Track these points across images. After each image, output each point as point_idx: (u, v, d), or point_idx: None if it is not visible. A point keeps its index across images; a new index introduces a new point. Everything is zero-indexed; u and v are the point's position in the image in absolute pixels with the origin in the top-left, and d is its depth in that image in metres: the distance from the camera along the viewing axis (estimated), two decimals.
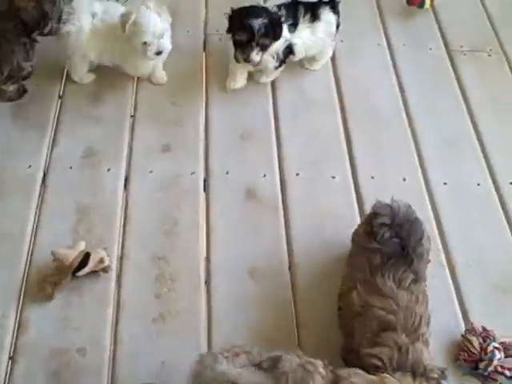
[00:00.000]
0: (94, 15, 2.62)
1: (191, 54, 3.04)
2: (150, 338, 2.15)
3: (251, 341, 2.10)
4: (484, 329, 2.21)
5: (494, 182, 2.70)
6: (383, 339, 1.83)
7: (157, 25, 2.53)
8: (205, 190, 2.57)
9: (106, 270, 2.26)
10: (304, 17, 2.74)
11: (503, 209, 2.62)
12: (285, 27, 2.68)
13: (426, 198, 2.61)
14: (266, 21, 2.55)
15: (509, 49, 3.21)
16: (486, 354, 2.14)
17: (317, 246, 2.44)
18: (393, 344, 1.81)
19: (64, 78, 2.87)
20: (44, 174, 2.54)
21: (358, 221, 2.49)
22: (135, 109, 2.79)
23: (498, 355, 2.13)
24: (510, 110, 2.97)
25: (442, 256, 2.44)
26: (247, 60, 2.63)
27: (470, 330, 2.22)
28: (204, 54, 3.05)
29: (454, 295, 2.35)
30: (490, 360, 2.13)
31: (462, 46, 3.21)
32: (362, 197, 2.59)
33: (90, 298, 2.22)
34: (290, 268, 2.37)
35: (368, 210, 2.46)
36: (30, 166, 2.55)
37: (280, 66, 2.82)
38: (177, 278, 2.29)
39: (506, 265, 2.45)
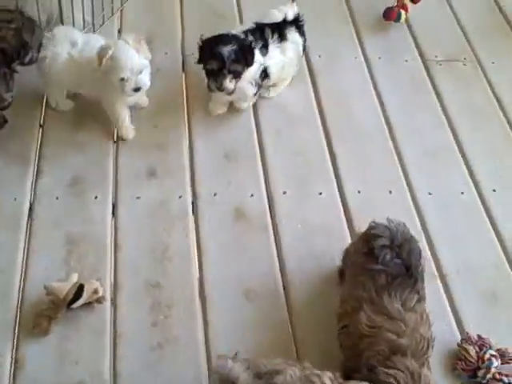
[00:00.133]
0: (73, 44, 2.60)
1: (171, 75, 3.04)
2: (149, 367, 2.14)
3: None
4: (479, 337, 2.24)
5: (478, 189, 2.74)
6: (394, 363, 1.84)
7: (135, 60, 2.45)
8: (193, 213, 2.56)
9: (100, 300, 2.24)
10: (272, 37, 2.74)
11: (488, 215, 2.66)
12: (257, 52, 2.66)
13: (413, 209, 2.64)
14: (235, 47, 2.53)
15: (483, 57, 3.27)
16: (483, 362, 2.17)
17: (309, 262, 2.45)
18: (404, 369, 1.82)
19: (44, 106, 2.85)
20: (30, 206, 2.51)
21: (348, 235, 2.53)
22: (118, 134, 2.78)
23: (496, 363, 2.17)
24: (488, 118, 3.02)
25: (433, 266, 2.47)
26: (220, 89, 2.60)
27: (466, 339, 2.25)
28: (183, 75, 3.05)
29: (447, 304, 2.38)
30: (488, 368, 2.16)
31: (436, 56, 3.26)
32: (350, 211, 2.61)
33: (87, 330, 2.20)
34: (284, 288, 2.38)
35: (356, 224, 2.53)
36: (15, 199, 2.52)
37: (258, 90, 2.81)
38: (172, 305, 2.28)
39: (495, 270, 2.50)
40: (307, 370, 1.76)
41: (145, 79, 2.51)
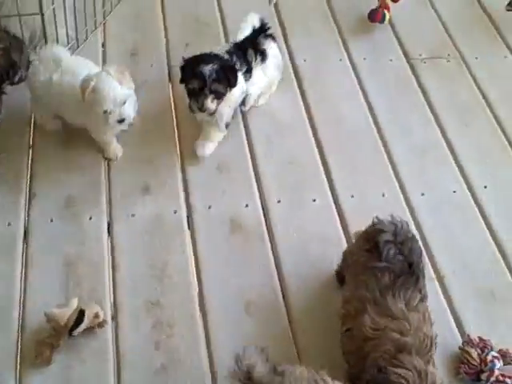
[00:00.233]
0: (57, 67, 2.50)
1: (157, 86, 2.97)
2: None
3: None
4: (481, 339, 2.21)
5: (469, 187, 2.71)
6: (401, 362, 1.80)
7: (117, 92, 2.36)
8: (189, 227, 2.50)
9: (101, 324, 2.18)
10: (256, 59, 2.67)
11: (481, 213, 2.63)
12: (241, 77, 2.58)
13: (407, 210, 2.60)
14: (216, 67, 2.45)
15: (466, 53, 3.23)
16: (485, 364, 2.14)
17: (307, 269, 2.40)
18: (411, 367, 1.78)
19: (32, 126, 2.76)
20: (25, 230, 2.44)
21: (343, 240, 2.48)
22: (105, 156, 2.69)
23: (498, 364, 2.14)
24: (475, 114, 2.98)
25: (429, 267, 2.42)
26: (202, 109, 2.50)
27: (468, 341, 2.22)
28: (170, 86, 2.97)
29: (446, 306, 2.35)
30: (491, 370, 2.12)
31: (420, 55, 3.20)
32: (345, 216, 2.56)
33: (89, 356, 2.13)
34: (283, 297, 2.33)
35: (352, 228, 2.48)
36: (9, 224, 2.45)
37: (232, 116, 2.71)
38: (174, 324, 2.23)
39: (491, 268, 2.47)
40: (320, 375, 1.73)
41: (129, 110, 2.42)
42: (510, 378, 2.12)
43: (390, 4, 3.22)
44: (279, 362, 1.94)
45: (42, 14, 2.70)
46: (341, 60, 3.16)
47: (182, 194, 2.58)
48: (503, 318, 2.32)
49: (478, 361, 2.15)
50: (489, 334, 2.23)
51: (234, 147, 2.74)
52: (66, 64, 2.50)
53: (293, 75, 3.06)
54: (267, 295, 2.33)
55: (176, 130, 2.80)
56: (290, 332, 2.25)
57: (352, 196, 2.62)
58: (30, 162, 2.65)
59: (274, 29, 3.20)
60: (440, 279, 2.41)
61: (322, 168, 2.72)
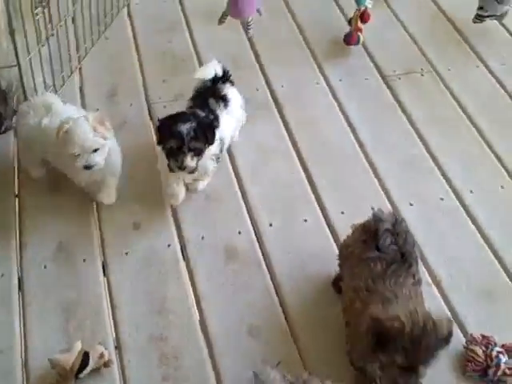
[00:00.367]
0: (48, 113, 2.58)
1: (138, 125, 3.05)
2: None
3: None
4: (483, 336, 2.29)
5: (456, 193, 2.82)
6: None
7: (87, 138, 2.41)
8: (184, 259, 2.56)
9: (107, 364, 2.21)
10: (219, 106, 2.70)
11: (469, 216, 2.74)
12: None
13: None
14: (194, 125, 2.45)
15: (438, 66, 3.39)
16: (491, 360, 2.22)
17: (305, 287, 2.48)
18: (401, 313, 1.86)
19: (16, 174, 2.82)
20: (19, 280, 2.48)
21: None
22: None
23: (504, 358, 2.22)
24: (454, 124, 3.12)
25: (426, 274, 2.51)
26: (182, 167, 2.49)
27: (471, 340, 2.30)
28: (151, 124, 3.06)
29: (446, 309, 2.42)
30: (498, 365, 2.20)
31: (395, 71, 3.35)
32: (337, 233, 2.65)
33: None
34: (285, 318, 2.39)
35: None
36: (2, 275, 2.48)
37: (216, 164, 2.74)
38: (180, 355, 2.27)
39: (485, 268, 2.57)
40: None
41: (97, 159, 2.46)
42: None
43: (361, 25, 3.37)
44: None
45: (19, 65, 2.80)
46: (318, 83, 3.29)
47: (173, 228, 2.65)
48: (503, 316, 2.41)
49: (484, 357, 2.23)
50: (490, 332, 2.30)
51: (220, 176, 2.81)
52: (56, 110, 2.59)
53: (272, 102, 3.19)
54: (269, 317, 2.38)
55: None
56: (297, 350, 2.30)
57: (342, 212, 2.71)
58: (17, 210, 2.70)
59: (249, 60, 3.37)
60: (437, 284, 2.49)
61: (309, 189, 2.81)
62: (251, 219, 2.69)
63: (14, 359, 2.25)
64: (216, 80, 2.76)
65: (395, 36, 3.56)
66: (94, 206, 2.72)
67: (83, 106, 3.09)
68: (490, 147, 3.02)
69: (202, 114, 2.59)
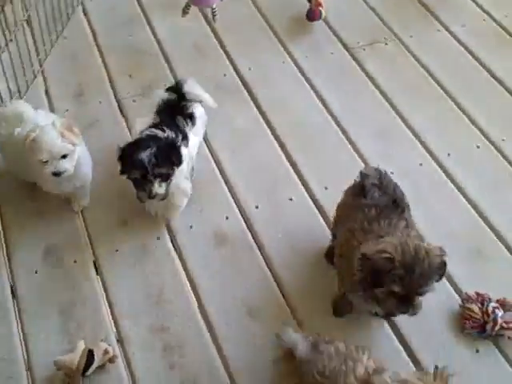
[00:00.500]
0: (20, 123, 2.58)
1: (111, 122, 3.11)
2: None
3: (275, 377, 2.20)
4: (478, 294, 2.43)
5: (433, 157, 2.96)
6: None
7: (55, 144, 2.43)
8: (175, 249, 2.64)
9: (112, 360, 2.29)
10: (187, 125, 2.66)
11: (450, 178, 2.88)
12: (183, 149, 2.54)
13: None
14: (155, 150, 2.39)
15: (400, 33, 3.52)
16: (488, 316, 2.35)
17: (299, 264, 2.59)
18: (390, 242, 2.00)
19: None
20: (11, 287, 2.53)
21: (326, 229, 2.68)
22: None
23: (500, 313, 2.35)
24: (423, 90, 3.25)
25: None
26: (151, 196, 2.46)
27: (466, 298, 2.43)
28: (123, 120, 3.13)
29: None
30: (495, 320, 2.34)
31: (359, 43, 3.47)
32: (323, 207, 2.76)
33: None
34: (283, 295, 2.50)
35: (331, 216, 2.64)
36: None
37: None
38: (183, 344, 2.36)
39: (472, 227, 2.72)
40: (351, 351, 1.92)
41: (66, 165, 2.47)
42: None
43: (321, 0, 3.47)
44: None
45: None
46: (284, 62, 3.39)
47: (161, 220, 2.72)
48: (493, 272, 2.56)
49: (481, 314, 2.36)
50: (484, 289, 2.44)
51: (200, 165, 2.89)
52: (28, 118, 2.61)
53: (241, 85, 3.27)
54: (266, 297, 2.49)
55: None
56: (297, 324, 2.41)
57: (326, 188, 2.83)
58: (0, 219, 2.75)
59: (214, 47, 3.44)
60: None
61: (290, 168, 2.92)
62: (237, 204, 2.79)
63: (17, 365, 2.32)
64: (183, 96, 2.72)
65: (355, 8, 3.67)
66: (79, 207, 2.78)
67: (51, 108, 3.14)
68: (461, 109, 3.16)
69: (163, 134, 2.50)
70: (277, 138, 3.04)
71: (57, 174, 2.48)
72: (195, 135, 2.72)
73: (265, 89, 3.25)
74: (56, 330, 2.40)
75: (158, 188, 2.44)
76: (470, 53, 3.44)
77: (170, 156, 2.44)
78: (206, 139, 3.01)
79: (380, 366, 1.91)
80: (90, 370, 2.23)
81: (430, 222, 2.69)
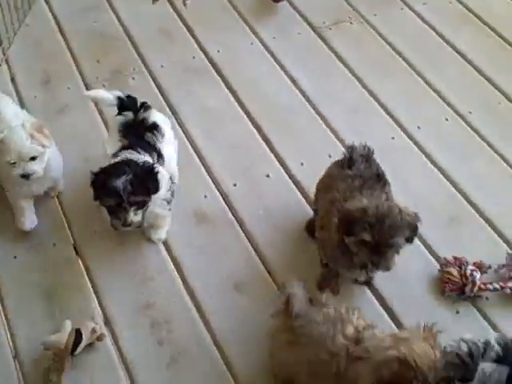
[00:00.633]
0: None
1: (82, 107, 3.16)
2: (172, 383, 2.29)
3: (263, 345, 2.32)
4: (456, 258, 2.57)
5: (404, 131, 3.10)
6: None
7: (24, 146, 2.43)
8: None
9: (100, 338, 2.36)
10: (157, 139, 2.59)
11: (422, 151, 3.02)
12: (160, 169, 2.46)
13: None
14: (131, 177, 2.31)
15: (364, 12, 3.65)
16: (466, 278, 2.49)
17: (280, 239, 2.70)
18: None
19: None
20: None
21: (305, 203, 2.80)
22: None
23: (478, 275, 2.50)
24: (390, 67, 3.39)
25: None
26: (126, 224, 2.38)
27: (445, 263, 2.58)
28: (93, 104, 3.17)
29: (416, 239, 2.65)
30: (473, 282, 2.48)
31: (324, 22, 3.59)
32: (301, 183, 2.88)
33: (98, 370, 2.32)
34: (267, 270, 2.60)
35: (309, 191, 2.79)
36: None
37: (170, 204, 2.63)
38: (170, 319, 2.45)
39: (445, 196, 2.87)
40: (342, 314, 2.03)
41: (35, 167, 2.48)
42: (490, 283, 2.49)
43: None
44: None
45: None
46: (252, 44, 3.49)
47: None
48: (468, 237, 2.71)
49: (459, 277, 2.50)
50: (460, 253, 2.58)
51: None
52: (4, 117, 2.61)
53: (211, 67, 3.36)
54: (251, 272, 2.59)
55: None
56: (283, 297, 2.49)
57: (302, 164, 2.94)
58: None
59: (180, 30, 3.52)
60: None
61: (265, 146, 3.02)
62: (214, 182, 2.88)
63: (3, 352, 2.37)
64: (135, 109, 2.65)
65: None
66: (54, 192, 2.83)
67: (18, 96, 3.19)
68: (428, 83, 3.31)
69: (138, 158, 2.44)
70: (249, 117, 3.14)
71: (25, 176, 2.48)
72: (169, 144, 2.66)
73: (234, 70, 3.35)
74: (40, 313, 2.46)
75: (134, 216, 2.38)
76: (434, 29, 3.59)
77: (146, 183, 2.37)
78: (179, 120, 3.09)
79: (370, 324, 2.03)
80: (79, 348, 2.30)
81: (404, 192, 2.75)
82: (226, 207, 2.79)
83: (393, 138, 3.06)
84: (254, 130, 3.08)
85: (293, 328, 2.03)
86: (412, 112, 3.18)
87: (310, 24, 3.59)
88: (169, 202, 2.58)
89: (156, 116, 2.67)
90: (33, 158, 2.47)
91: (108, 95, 2.66)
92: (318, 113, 3.16)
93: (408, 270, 2.56)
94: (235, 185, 2.86)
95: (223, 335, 2.41)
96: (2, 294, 2.52)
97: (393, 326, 2.45)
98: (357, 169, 2.35)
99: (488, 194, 2.85)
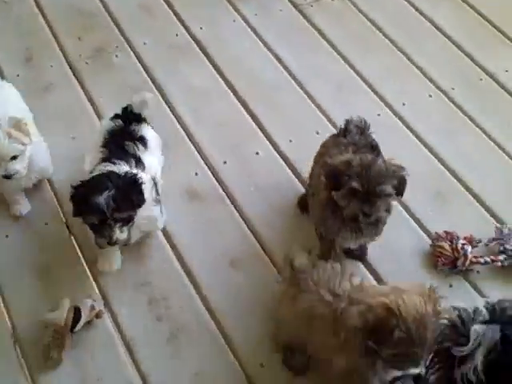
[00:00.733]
0: None
1: (66, 84, 3.19)
2: (173, 357, 2.36)
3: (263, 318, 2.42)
4: (447, 232, 2.66)
5: (389, 107, 3.19)
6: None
7: (2, 146, 2.36)
8: None
9: (99, 315, 2.40)
10: (138, 148, 2.51)
11: (407, 127, 3.11)
12: (142, 175, 2.38)
13: None
14: (113, 192, 2.20)
15: None
16: (458, 252, 2.58)
17: (272, 216, 2.75)
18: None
19: None
20: None
21: (295, 180, 2.88)
22: None
23: (469, 249, 2.59)
24: (372, 43, 3.47)
25: None
26: (112, 242, 2.28)
27: (437, 237, 2.66)
28: (76, 81, 3.20)
29: (407, 214, 2.78)
30: (465, 255, 2.57)
31: (306, 0, 3.65)
32: (290, 159, 2.94)
33: (98, 347, 2.36)
34: (261, 247, 2.67)
35: (300, 168, 2.88)
36: None
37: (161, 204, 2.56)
38: (168, 296, 2.50)
39: (433, 172, 2.94)
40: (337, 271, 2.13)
41: (17, 167, 2.42)
42: (481, 257, 2.59)
43: None
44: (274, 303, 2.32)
45: None
46: (234, 21, 3.53)
47: None
48: (457, 212, 2.80)
49: (451, 251, 2.59)
50: (450, 229, 2.67)
51: (162, 126, 2.97)
52: None
53: (195, 45, 3.40)
54: (246, 248, 2.65)
55: (99, 121, 3.03)
56: (277, 273, 2.58)
57: (290, 141, 3.01)
58: None
59: (160, 6, 3.55)
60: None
61: (253, 123, 3.08)
62: (204, 160, 2.93)
63: (3, 333, 2.41)
64: (129, 120, 2.60)
65: None
66: None
67: (1, 75, 3.17)
68: (410, 59, 3.39)
69: (119, 169, 2.34)
70: (236, 94, 3.19)
71: (7, 177, 2.43)
72: (152, 155, 2.58)
73: (218, 47, 3.39)
74: (37, 292, 2.49)
75: (120, 234, 2.27)
76: (413, 5, 3.67)
77: (130, 196, 2.26)
78: (166, 99, 3.14)
79: None
80: (78, 326, 2.34)
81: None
82: (217, 184, 2.85)
83: (378, 115, 3.14)
84: (241, 108, 3.14)
85: (298, 281, 2.10)
86: (396, 89, 3.26)
87: (291, 1, 3.64)
88: (158, 202, 2.49)
89: (147, 131, 2.61)
90: (13, 158, 2.41)
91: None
92: (304, 90, 3.23)
93: (401, 246, 2.66)
94: (225, 162, 2.92)
95: (221, 310, 2.48)
96: None
97: None
98: (351, 138, 2.42)
99: (473, 169, 2.94)
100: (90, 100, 3.11)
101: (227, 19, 3.54)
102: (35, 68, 3.21)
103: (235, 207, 2.78)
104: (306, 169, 2.66)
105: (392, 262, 2.62)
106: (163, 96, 3.15)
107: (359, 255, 2.61)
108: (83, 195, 2.24)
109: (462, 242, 2.61)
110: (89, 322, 2.39)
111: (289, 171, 2.91)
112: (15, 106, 2.67)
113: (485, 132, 3.10)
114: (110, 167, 2.35)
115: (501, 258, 2.58)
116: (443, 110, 3.19)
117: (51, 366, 2.30)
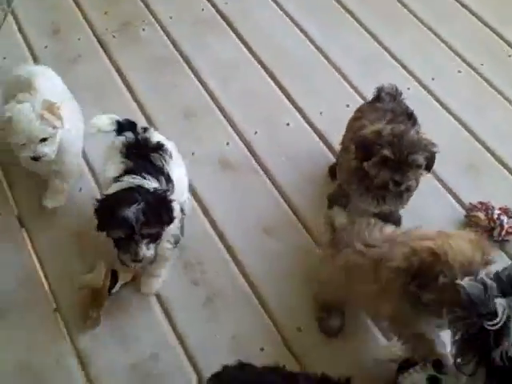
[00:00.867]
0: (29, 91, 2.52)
1: (94, 57, 3.28)
2: (209, 321, 2.43)
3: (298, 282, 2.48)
4: (481, 203, 2.69)
5: (419, 81, 3.24)
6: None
7: (33, 127, 2.36)
8: None
9: (135, 278, 2.46)
10: (165, 160, 2.39)
11: (437, 101, 3.16)
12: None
13: None
14: (143, 205, 2.11)
15: None
16: (494, 222, 2.61)
17: (305, 184, 2.83)
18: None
19: None
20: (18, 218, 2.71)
21: (326, 150, 2.94)
22: None
23: (505, 219, 2.62)
24: (399, 19, 3.51)
25: None
26: (137, 260, 2.18)
27: (471, 208, 2.70)
28: (104, 54, 3.28)
29: (442, 187, 2.83)
30: (501, 225, 2.61)
31: None
32: (321, 131, 3.00)
33: (136, 309, 2.45)
34: (294, 213, 2.73)
35: (331, 140, 2.94)
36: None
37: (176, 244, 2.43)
38: (203, 261, 2.58)
39: (464, 144, 3.00)
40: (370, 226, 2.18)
41: (46, 149, 2.42)
42: None
43: None
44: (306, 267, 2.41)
45: None
46: None
47: None
48: (490, 184, 2.85)
49: (487, 221, 2.63)
50: (485, 198, 2.71)
51: (192, 95, 3.09)
52: (39, 87, 2.55)
53: (220, 19, 3.46)
54: (279, 217, 2.72)
55: (128, 93, 3.10)
56: (312, 240, 2.65)
57: (321, 113, 3.07)
58: None
59: None
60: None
61: (282, 95, 3.14)
62: (235, 130, 3.00)
63: (37, 289, 2.50)
64: (135, 130, 2.46)
65: None
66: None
67: (28, 46, 3.27)
68: (438, 35, 3.43)
69: (150, 184, 2.24)
70: (265, 68, 3.25)
71: (35, 159, 2.44)
72: (177, 166, 2.47)
73: (244, 21, 3.46)
74: (69, 255, 2.59)
75: (146, 251, 2.17)
76: None
77: (160, 212, 2.18)
78: (194, 72, 3.21)
79: None
80: (115, 288, 2.41)
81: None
82: (249, 154, 2.92)
83: (408, 89, 3.17)
84: (270, 80, 3.20)
85: (338, 241, 2.18)
86: (425, 64, 3.31)
87: None
88: (177, 242, 2.40)
89: (159, 136, 2.49)
90: (43, 140, 2.41)
91: (107, 122, 2.47)
92: (331, 63, 3.29)
93: (436, 216, 2.69)
94: (256, 133, 2.98)
95: (255, 275, 2.55)
96: (31, 237, 2.66)
97: None
98: (387, 104, 2.46)
99: (503, 142, 2.99)
100: (118, 71, 3.18)
101: None
102: (63, 41, 3.28)
103: (267, 176, 2.84)
104: (336, 140, 2.70)
105: None
106: (192, 68, 3.21)
107: (393, 221, 2.65)
108: (110, 208, 2.14)
109: (497, 212, 2.64)
110: (125, 284, 2.45)
111: (319, 141, 2.97)
112: (61, 90, 2.74)
113: None
114: (137, 181, 2.25)
115: None
116: (472, 85, 3.24)
117: (90, 326, 2.37)
